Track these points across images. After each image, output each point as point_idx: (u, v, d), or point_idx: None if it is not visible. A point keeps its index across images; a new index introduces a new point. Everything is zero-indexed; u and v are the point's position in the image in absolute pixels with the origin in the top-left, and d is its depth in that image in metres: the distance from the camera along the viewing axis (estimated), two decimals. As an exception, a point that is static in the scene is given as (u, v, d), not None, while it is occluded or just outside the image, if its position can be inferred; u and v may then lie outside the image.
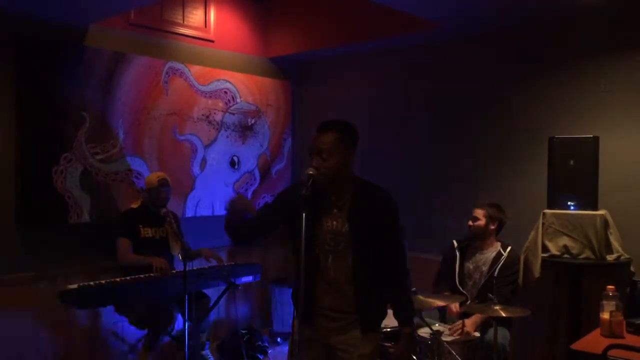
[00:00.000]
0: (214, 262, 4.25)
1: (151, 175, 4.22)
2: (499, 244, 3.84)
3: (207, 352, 4.33)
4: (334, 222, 2.43)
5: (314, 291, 2.42)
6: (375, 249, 2.43)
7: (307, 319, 2.40)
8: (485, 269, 3.78)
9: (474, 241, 3.89)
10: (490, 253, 3.82)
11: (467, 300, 3.73)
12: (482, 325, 3.60)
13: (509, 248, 3.79)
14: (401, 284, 2.53)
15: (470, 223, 3.85)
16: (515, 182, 4.32)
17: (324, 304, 2.43)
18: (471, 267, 3.86)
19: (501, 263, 3.73)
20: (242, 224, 2.58)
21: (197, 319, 4.08)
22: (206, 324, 4.29)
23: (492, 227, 3.82)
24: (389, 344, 3.35)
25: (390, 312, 2.59)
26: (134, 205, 4.18)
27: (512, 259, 3.76)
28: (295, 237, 2.44)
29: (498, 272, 3.71)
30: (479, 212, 3.82)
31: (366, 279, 2.43)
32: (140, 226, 4.09)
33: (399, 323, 2.54)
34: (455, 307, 3.72)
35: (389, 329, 3.43)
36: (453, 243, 4.00)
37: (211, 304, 4.21)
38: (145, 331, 3.97)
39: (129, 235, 4.04)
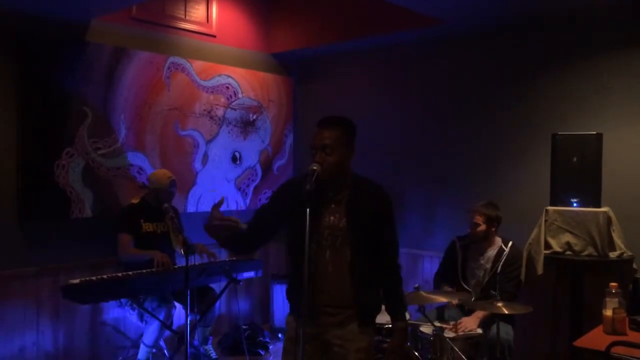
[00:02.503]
0: (208, 258, 4.23)
1: (159, 174, 4.19)
2: (499, 239, 3.84)
3: (209, 347, 4.33)
4: (332, 217, 2.43)
5: (312, 287, 2.41)
6: (371, 244, 2.45)
7: (302, 315, 2.35)
8: (488, 266, 3.78)
9: (477, 242, 3.88)
10: (492, 250, 3.82)
11: (470, 298, 3.73)
12: (485, 322, 3.60)
13: (510, 243, 3.80)
14: (394, 279, 2.55)
15: (472, 229, 3.83)
16: (518, 178, 4.32)
17: (321, 300, 2.42)
18: (474, 265, 3.86)
19: (504, 259, 3.73)
20: (237, 237, 2.45)
21: (203, 313, 4.09)
22: (211, 318, 4.29)
23: (493, 229, 3.82)
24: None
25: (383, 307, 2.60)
26: (135, 201, 4.18)
27: (514, 254, 3.77)
28: (293, 234, 2.45)
29: (501, 268, 3.71)
30: (478, 218, 3.80)
31: (364, 273, 2.44)
32: (142, 221, 4.10)
33: (392, 318, 2.56)
34: (455, 300, 3.72)
35: (390, 326, 3.42)
36: (454, 241, 4.00)
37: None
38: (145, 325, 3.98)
39: (130, 231, 4.04)
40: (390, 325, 3.40)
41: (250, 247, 2.59)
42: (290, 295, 2.57)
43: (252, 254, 3.06)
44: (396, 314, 2.54)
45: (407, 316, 3.61)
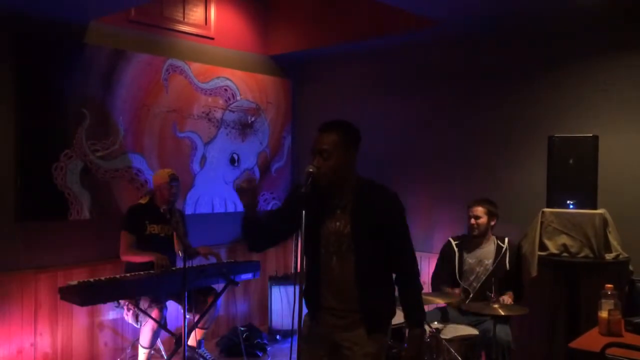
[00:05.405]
0: (212, 260, 4.24)
1: (159, 172, 4.23)
2: (493, 237, 3.91)
3: (203, 350, 4.33)
4: (337, 223, 2.42)
5: (320, 290, 2.45)
6: (379, 250, 2.41)
7: (314, 316, 2.45)
8: (488, 262, 3.83)
9: (474, 237, 3.90)
10: (489, 246, 3.88)
11: (469, 294, 3.77)
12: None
13: (506, 239, 3.87)
14: (411, 285, 2.47)
15: (473, 221, 3.86)
16: (514, 180, 4.33)
17: (330, 303, 2.44)
18: (472, 261, 3.89)
19: (508, 255, 3.80)
20: (259, 233, 2.50)
21: (203, 313, 4.09)
22: (210, 319, 4.29)
23: (493, 223, 3.87)
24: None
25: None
26: (142, 201, 4.19)
27: (515, 248, 3.86)
28: (304, 236, 2.44)
29: (509, 265, 3.79)
30: (480, 210, 3.85)
31: (370, 279, 2.41)
32: (147, 222, 4.11)
33: (408, 325, 2.50)
34: (458, 290, 3.81)
35: (395, 327, 3.40)
36: (450, 241, 4.04)
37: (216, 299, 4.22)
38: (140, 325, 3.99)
39: (133, 230, 4.05)
40: (395, 326, 3.37)
41: (265, 242, 2.59)
42: (305, 295, 2.54)
43: (261, 251, 3.08)
44: (412, 321, 2.46)
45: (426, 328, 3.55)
